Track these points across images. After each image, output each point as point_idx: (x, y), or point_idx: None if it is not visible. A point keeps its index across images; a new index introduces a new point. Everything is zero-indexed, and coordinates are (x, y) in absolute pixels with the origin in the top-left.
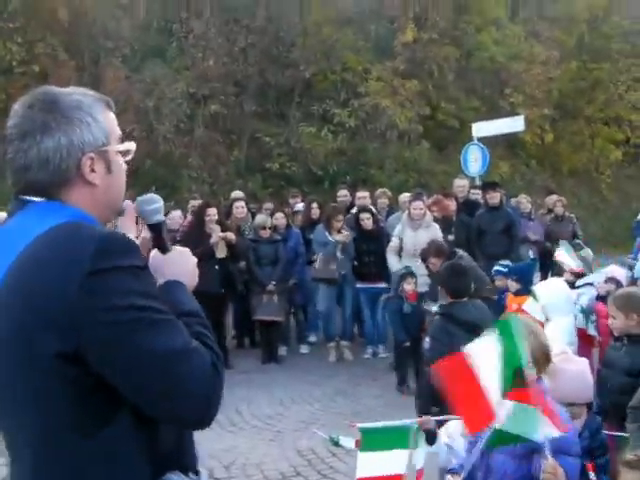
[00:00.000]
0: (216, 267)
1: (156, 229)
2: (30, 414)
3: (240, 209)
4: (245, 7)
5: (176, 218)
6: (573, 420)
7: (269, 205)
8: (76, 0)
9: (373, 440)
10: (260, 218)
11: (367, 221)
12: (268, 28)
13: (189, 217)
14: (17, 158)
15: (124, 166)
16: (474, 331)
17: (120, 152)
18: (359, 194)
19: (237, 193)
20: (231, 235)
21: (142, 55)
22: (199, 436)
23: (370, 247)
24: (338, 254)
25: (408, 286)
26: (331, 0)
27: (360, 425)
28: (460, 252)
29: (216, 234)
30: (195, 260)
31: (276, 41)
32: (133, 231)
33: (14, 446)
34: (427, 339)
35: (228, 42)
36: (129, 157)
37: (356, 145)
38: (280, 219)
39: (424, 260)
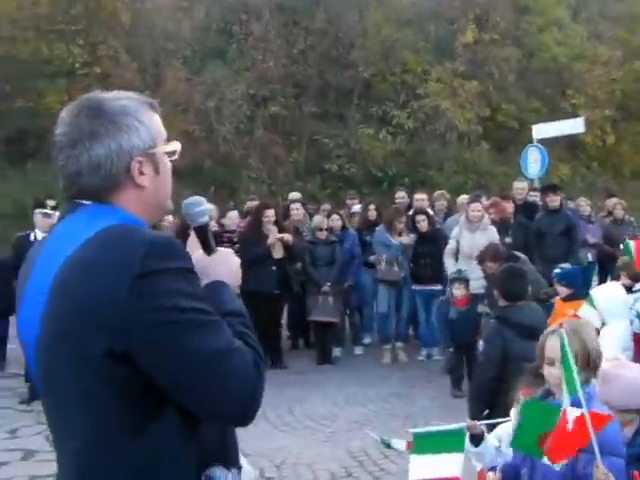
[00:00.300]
0: (273, 268)
1: (202, 231)
2: (80, 414)
3: (296, 211)
4: (304, 9)
5: (233, 218)
6: (625, 427)
7: (327, 206)
8: (137, 3)
9: (425, 443)
10: (316, 219)
11: (422, 223)
12: (327, 29)
13: (248, 218)
14: (69, 164)
15: (169, 165)
16: (529, 335)
17: (167, 152)
18: (417, 196)
19: (294, 195)
20: (288, 236)
21: (202, 56)
22: (251, 435)
23: (425, 249)
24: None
25: (457, 291)
26: (390, 1)
27: (413, 430)
28: (522, 257)
29: (273, 235)
30: (238, 260)
31: (335, 42)
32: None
33: (62, 443)
34: (481, 342)
35: (287, 44)
36: (175, 157)
37: (415, 147)
38: (336, 220)
39: (481, 263)
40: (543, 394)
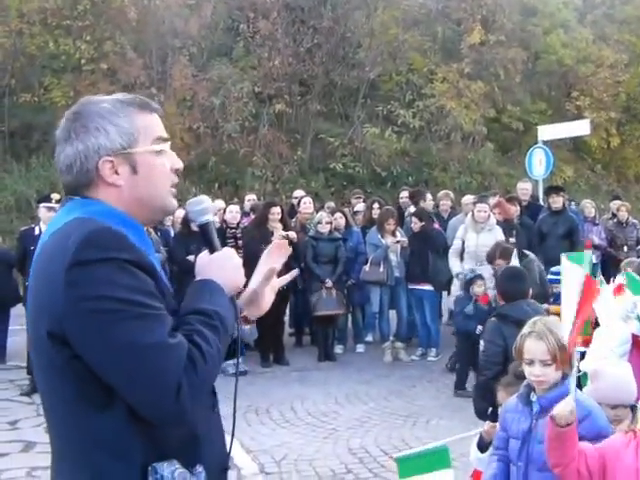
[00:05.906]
0: None
1: (204, 229)
2: (43, 386)
3: (305, 205)
4: (312, 8)
5: (233, 212)
6: (618, 424)
7: (331, 204)
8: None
9: (411, 466)
10: (318, 215)
11: (414, 223)
12: (334, 29)
13: (252, 214)
14: (56, 161)
15: (165, 165)
16: None
17: (155, 152)
18: None
19: (299, 192)
20: (292, 233)
21: (209, 54)
22: (254, 431)
23: (415, 248)
24: (392, 256)
25: (479, 289)
26: (397, 1)
27: (396, 455)
28: (530, 255)
29: (278, 232)
30: (239, 262)
31: (342, 42)
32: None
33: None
34: (481, 341)
35: (294, 42)
36: (170, 157)
37: (420, 146)
38: (339, 219)
39: (490, 261)
40: (524, 391)
